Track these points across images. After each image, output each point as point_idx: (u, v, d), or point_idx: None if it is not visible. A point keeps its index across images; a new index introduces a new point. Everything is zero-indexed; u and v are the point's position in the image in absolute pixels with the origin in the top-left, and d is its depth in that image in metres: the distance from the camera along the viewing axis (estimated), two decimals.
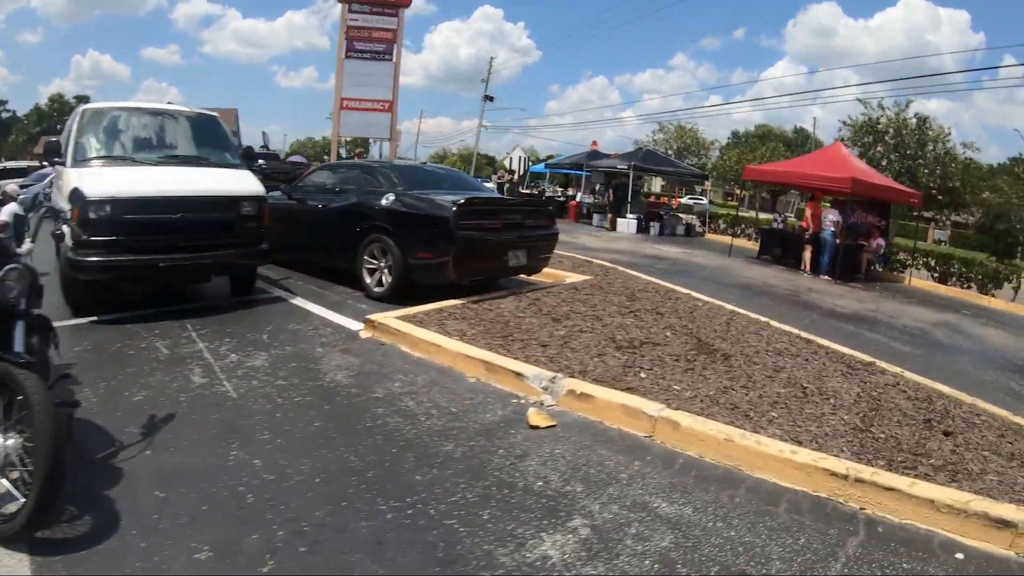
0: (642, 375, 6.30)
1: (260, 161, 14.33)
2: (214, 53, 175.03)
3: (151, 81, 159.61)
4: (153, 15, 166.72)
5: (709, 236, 27.41)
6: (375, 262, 9.03)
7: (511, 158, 39.36)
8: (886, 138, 25.56)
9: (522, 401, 5.71)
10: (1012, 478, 4.77)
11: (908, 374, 7.60)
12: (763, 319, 9.59)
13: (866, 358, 8.08)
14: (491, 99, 55.59)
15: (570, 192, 32.92)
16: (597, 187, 29.68)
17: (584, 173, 30.69)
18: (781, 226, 21.74)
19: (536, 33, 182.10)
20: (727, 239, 24.61)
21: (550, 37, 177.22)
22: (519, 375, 5.95)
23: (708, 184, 61.80)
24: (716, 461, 4.79)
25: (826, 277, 17.55)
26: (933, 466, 4.81)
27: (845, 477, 4.37)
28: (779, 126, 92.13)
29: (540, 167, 40.04)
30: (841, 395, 6.39)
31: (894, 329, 11.83)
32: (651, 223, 25.84)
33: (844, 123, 27.27)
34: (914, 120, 25.70)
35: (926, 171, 24.73)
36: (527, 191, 36.32)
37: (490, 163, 79.97)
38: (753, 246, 22.18)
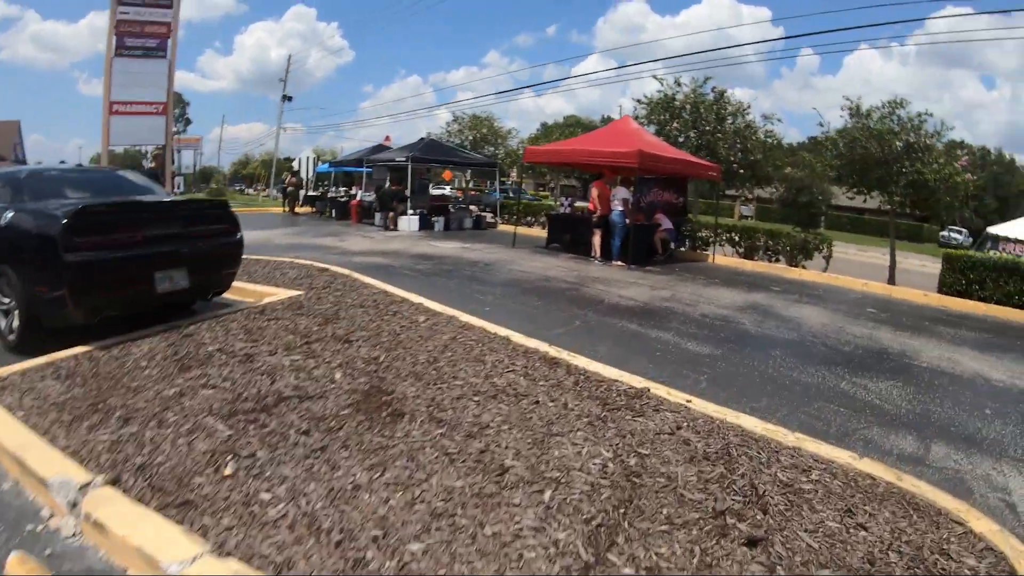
0: (228, 469, 3.84)
1: None
2: (12, 59, 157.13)
3: None
4: None
5: (502, 227, 24.84)
6: (5, 300, 6.77)
7: (298, 160, 35.98)
8: (683, 114, 23.70)
9: (40, 528, 3.56)
10: None
11: (697, 404, 5.16)
12: (502, 333, 6.98)
13: (638, 382, 5.55)
14: (289, 99, 52.02)
15: (353, 191, 29.78)
16: (386, 184, 26.61)
17: (365, 170, 27.46)
18: (568, 210, 19.16)
19: (350, 33, 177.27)
20: (521, 230, 22.16)
21: (364, 36, 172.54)
22: (43, 482, 3.76)
23: (514, 174, 60.17)
24: None
25: (619, 263, 15.41)
26: None
27: None
28: (587, 116, 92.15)
29: (324, 167, 36.55)
30: (573, 474, 3.84)
31: (691, 322, 9.40)
32: (436, 218, 22.99)
33: (639, 102, 25.35)
34: (711, 95, 24.01)
35: (726, 146, 23.02)
36: (315, 193, 33.05)
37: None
38: (544, 235, 19.56)
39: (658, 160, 15.96)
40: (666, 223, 17.29)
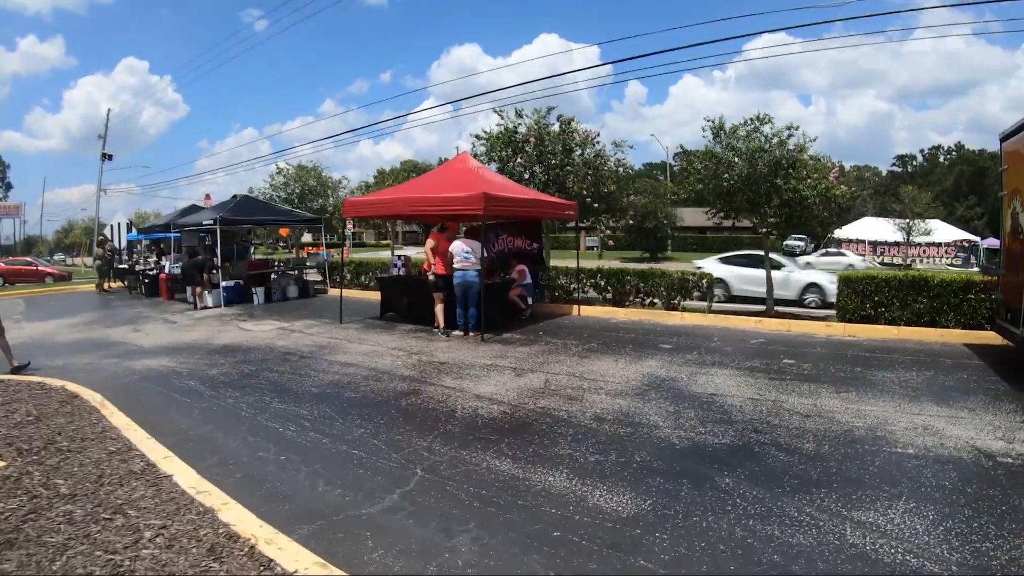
0: None
1: None
2: None
3: None
4: None
5: (333, 292, 21.65)
6: None
7: (109, 227, 31.51)
8: (527, 148, 21.24)
9: None
10: None
11: None
12: (289, 552, 4.00)
13: None
14: (109, 157, 46.28)
15: (163, 262, 25.94)
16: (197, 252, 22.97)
17: (173, 235, 23.69)
18: (401, 271, 16.06)
19: (183, 86, 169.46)
20: (354, 293, 19.19)
21: (196, 89, 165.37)
22: None
23: (350, 225, 56.73)
24: None
25: (471, 334, 12.81)
26: None
27: None
28: (424, 160, 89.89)
29: (133, 234, 32.26)
30: None
31: (585, 436, 6.57)
32: (256, 289, 19.59)
33: (478, 137, 22.79)
34: (556, 125, 21.69)
35: (576, 179, 20.69)
36: (124, 265, 28.87)
37: None
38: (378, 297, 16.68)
39: (508, 203, 13.35)
40: (526, 278, 14.76)
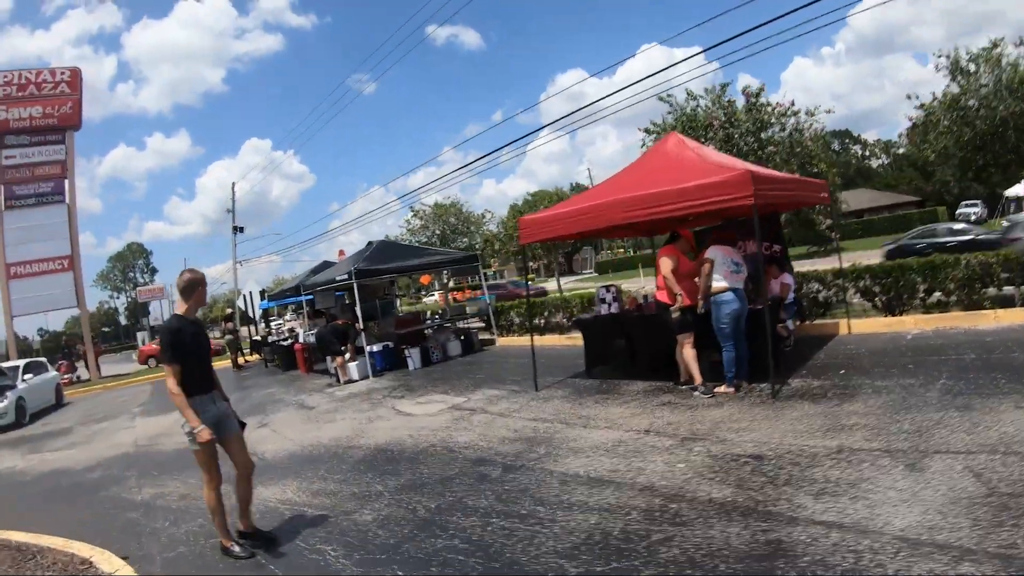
0: None
1: None
2: None
3: None
4: None
5: (502, 342, 17.64)
6: None
7: (243, 296, 28.98)
8: (712, 132, 17.11)
9: None
10: None
11: None
12: None
13: None
14: (240, 230, 44.82)
15: (296, 330, 22.70)
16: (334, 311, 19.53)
17: (304, 298, 20.28)
18: (612, 307, 11.60)
19: (306, 158, 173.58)
20: (525, 341, 15.35)
21: (319, 158, 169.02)
22: None
23: (495, 263, 53.00)
24: None
25: (742, 388, 8.56)
26: None
27: None
28: (556, 188, 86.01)
29: (266, 303, 29.46)
30: None
31: None
32: (409, 350, 15.75)
33: (648, 131, 18.84)
34: (742, 100, 17.52)
35: (781, 159, 16.33)
36: (259, 337, 26.02)
37: None
38: (578, 342, 12.49)
39: (773, 186, 9.05)
40: (789, 294, 10.65)
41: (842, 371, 8.66)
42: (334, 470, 7.54)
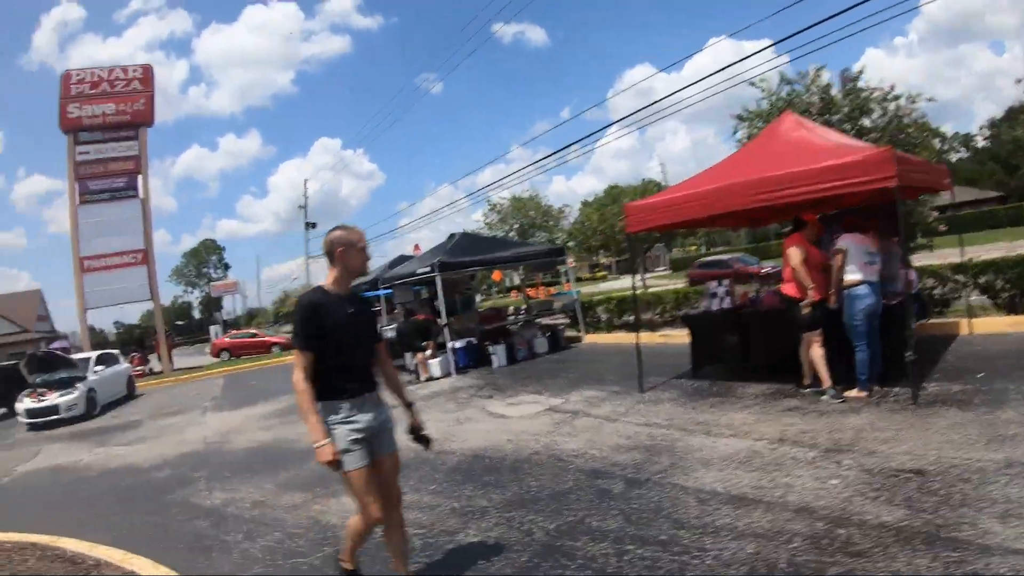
0: None
1: None
2: (60, 231, 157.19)
3: (2, 269, 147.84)
4: None
5: (589, 339, 16.65)
6: None
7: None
8: (811, 113, 15.84)
9: None
10: None
11: None
12: None
13: None
14: (313, 225, 45.83)
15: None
16: (413, 306, 18.70)
17: (383, 292, 19.45)
18: (725, 301, 10.49)
19: (376, 156, 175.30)
20: (615, 338, 14.79)
21: (388, 157, 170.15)
22: None
23: (571, 261, 51.86)
24: None
25: (862, 393, 7.55)
26: None
27: None
28: (628, 183, 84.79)
29: None
30: None
31: None
32: (493, 347, 14.84)
33: (740, 117, 17.68)
34: (837, 85, 16.64)
35: (886, 143, 14.96)
36: None
37: None
38: (674, 340, 11.70)
39: (911, 167, 8.02)
40: (913, 287, 9.51)
41: (980, 375, 7.67)
42: (427, 479, 6.61)
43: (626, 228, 9.62)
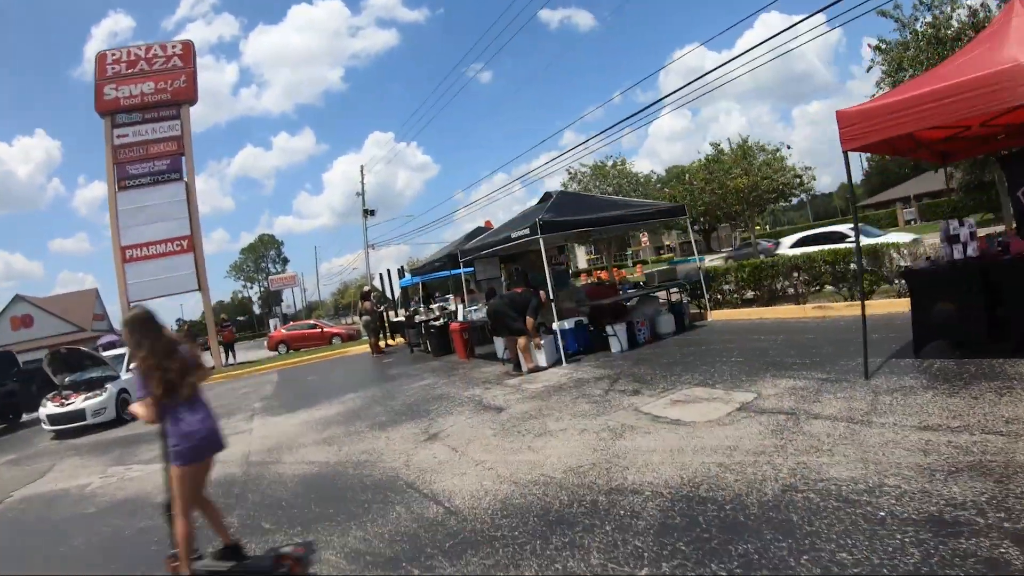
0: None
1: None
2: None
3: (66, 273, 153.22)
4: (54, 207, 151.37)
5: (714, 315, 13.82)
6: None
7: (379, 275, 26.29)
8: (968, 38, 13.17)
9: None
10: None
11: None
12: None
13: None
14: (372, 213, 44.07)
15: (450, 307, 19.08)
16: (502, 286, 15.99)
17: (463, 271, 16.67)
18: (971, 248, 7.17)
19: (428, 148, 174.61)
20: (747, 314, 12.69)
21: (440, 147, 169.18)
22: None
23: (645, 239, 48.63)
24: None
25: None
26: None
27: None
28: (677, 163, 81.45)
29: (408, 279, 26.25)
30: None
31: None
32: (606, 328, 11.97)
33: (878, 48, 15.15)
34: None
35: None
36: (400, 318, 22.82)
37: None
38: (837, 313, 9.90)
39: None
40: None
41: None
42: (615, 549, 3.74)
43: (842, 145, 6.47)
